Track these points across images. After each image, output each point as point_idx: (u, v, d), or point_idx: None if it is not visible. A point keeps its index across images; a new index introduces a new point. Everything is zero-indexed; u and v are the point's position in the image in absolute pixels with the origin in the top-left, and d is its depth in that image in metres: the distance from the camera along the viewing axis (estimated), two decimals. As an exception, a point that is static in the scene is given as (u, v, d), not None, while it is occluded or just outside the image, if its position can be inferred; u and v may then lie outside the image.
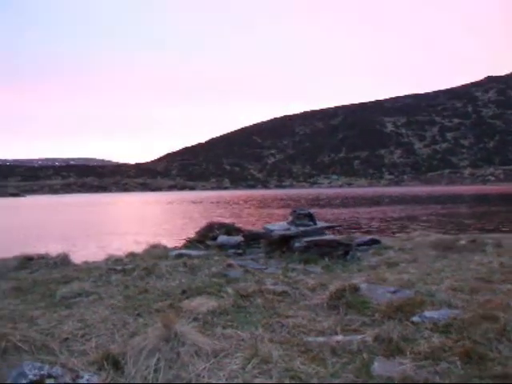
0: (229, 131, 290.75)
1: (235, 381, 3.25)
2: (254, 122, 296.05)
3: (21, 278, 7.72)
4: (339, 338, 4.10)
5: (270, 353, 3.59)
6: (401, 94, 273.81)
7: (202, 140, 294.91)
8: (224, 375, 3.33)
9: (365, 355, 3.65)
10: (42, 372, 2.86)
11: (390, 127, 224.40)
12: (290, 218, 10.50)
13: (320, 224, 10.58)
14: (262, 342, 3.94)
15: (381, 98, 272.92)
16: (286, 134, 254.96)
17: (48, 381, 2.78)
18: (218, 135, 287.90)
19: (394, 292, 5.64)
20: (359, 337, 4.08)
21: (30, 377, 2.78)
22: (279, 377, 3.28)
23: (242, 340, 4.10)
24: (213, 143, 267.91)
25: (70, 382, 2.91)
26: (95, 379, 3.04)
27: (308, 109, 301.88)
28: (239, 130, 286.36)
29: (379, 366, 3.40)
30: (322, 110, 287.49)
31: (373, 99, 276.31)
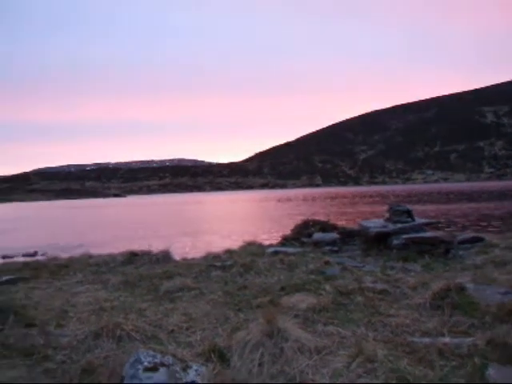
0: (319, 128, 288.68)
1: (340, 379, 3.20)
2: (345, 118, 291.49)
3: (127, 272, 8.21)
4: (446, 339, 3.89)
5: (374, 352, 3.49)
6: (502, 81, 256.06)
7: (292, 138, 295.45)
8: (328, 372, 3.30)
9: (476, 360, 3.39)
10: (156, 360, 3.01)
11: (490, 117, 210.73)
12: (387, 215, 10.22)
13: (418, 221, 10.18)
14: (365, 340, 3.85)
15: (479, 87, 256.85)
16: (378, 129, 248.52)
17: (161, 368, 2.92)
18: (308, 132, 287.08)
19: (505, 293, 5.26)
20: (469, 340, 3.85)
21: (145, 364, 2.94)
22: (385, 378, 3.17)
23: (344, 338, 4.04)
24: (303, 141, 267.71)
25: (181, 371, 3.02)
26: (203, 370, 3.14)
27: (399, 102, 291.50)
28: (330, 127, 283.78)
29: (495, 373, 3.13)
30: (414, 103, 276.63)
31: (469, 88, 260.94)
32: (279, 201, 69.82)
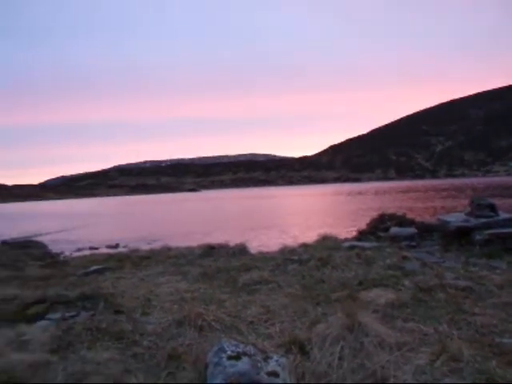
0: (393, 120, 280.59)
1: (423, 377, 3.12)
2: (420, 109, 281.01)
3: (205, 264, 8.45)
4: (540, 342, 3.68)
5: (459, 351, 3.36)
6: None
7: (365, 131, 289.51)
8: (410, 369, 3.22)
9: None
10: (238, 349, 3.10)
11: None
12: (469, 209, 9.79)
13: (502, 215, 9.66)
14: (449, 338, 3.73)
15: None
16: (456, 118, 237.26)
17: (243, 357, 3.00)
18: (381, 125, 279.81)
19: None
20: None
21: (228, 352, 3.04)
22: (473, 379, 3.05)
23: (426, 335, 3.93)
24: (377, 133, 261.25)
25: (262, 361, 3.09)
26: (284, 361, 3.19)
27: (480, 90, 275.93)
28: (404, 118, 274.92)
29: None
30: (495, 90, 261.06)
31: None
32: (349, 195, 68.85)
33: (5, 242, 18.13)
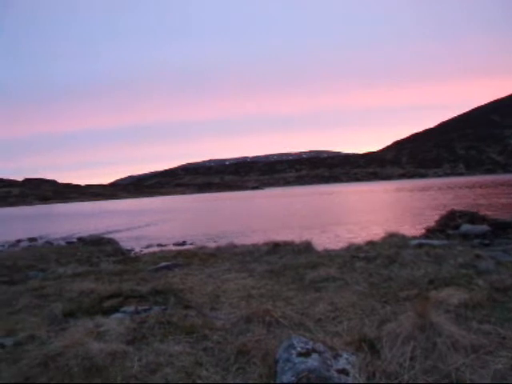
0: (462, 112, 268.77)
1: (503, 382, 2.99)
2: (491, 100, 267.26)
3: (272, 261, 8.53)
4: None
5: (542, 356, 3.19)
6: None
7: (432, 124, 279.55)
8: (488, 374, 3.06)
9: None
10: (308, 346, 3.12)
11: None
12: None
13: None
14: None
15: None
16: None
17: (313, 354, 3.01)
18: (449, 118, 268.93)
19: None
20: None
21: (298, 349, 3.07)
22: (559, 386, 2.88)
23: (504, 338, 3.73)
24: (444, 127, 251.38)
25: (331, 358, 3.08)
26: (353, 359, 3.17)
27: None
28: (474, 110, 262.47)
29: None
30: None
31: None
32: (412, 191, 66.85)
33: (81, 239, 19.19)
